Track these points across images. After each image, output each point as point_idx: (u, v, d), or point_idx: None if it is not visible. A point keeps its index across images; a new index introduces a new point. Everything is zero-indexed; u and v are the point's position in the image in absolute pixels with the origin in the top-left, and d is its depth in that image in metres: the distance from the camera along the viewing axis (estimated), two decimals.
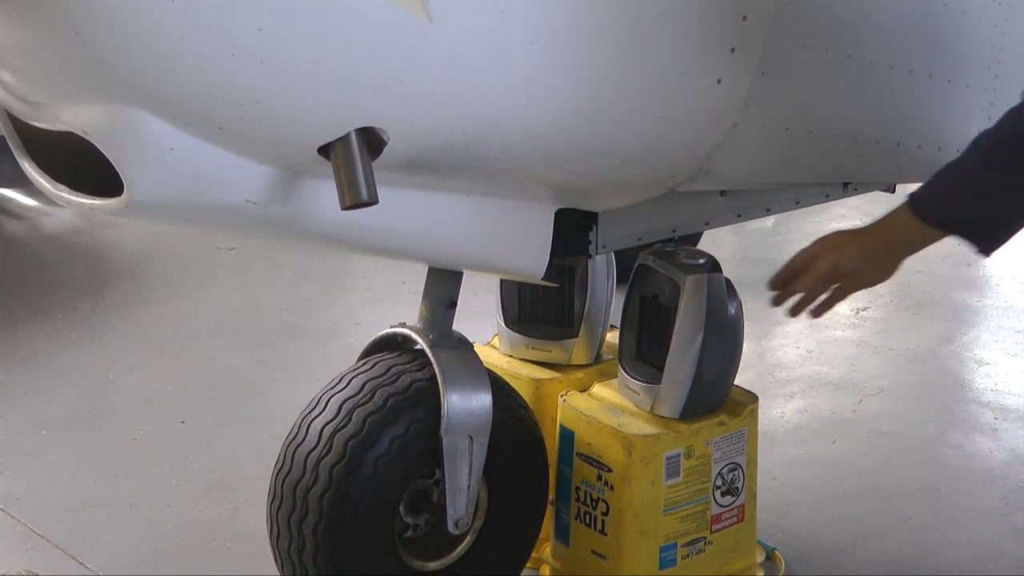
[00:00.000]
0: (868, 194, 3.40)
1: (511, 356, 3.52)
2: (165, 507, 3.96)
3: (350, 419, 2.96)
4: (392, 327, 3.18)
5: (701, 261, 3.15)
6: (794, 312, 2.74)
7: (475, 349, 3.11)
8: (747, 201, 3.14)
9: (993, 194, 2.53)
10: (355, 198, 2.21)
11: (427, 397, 2.97)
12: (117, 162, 2.21)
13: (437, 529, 3.10)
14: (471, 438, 3.00)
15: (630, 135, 2.58)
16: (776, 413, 4.59)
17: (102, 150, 2.20)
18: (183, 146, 2.22)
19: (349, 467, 2.92)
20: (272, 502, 3.04)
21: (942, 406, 4.69)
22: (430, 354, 3.01)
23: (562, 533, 3.35)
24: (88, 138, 2.20)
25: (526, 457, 3.18)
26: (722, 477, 3.28)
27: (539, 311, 3.49)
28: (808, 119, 2.78)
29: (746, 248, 6.53)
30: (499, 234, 2.81)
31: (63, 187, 2.37)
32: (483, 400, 3.00)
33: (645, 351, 3.24)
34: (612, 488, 3.18)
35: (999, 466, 4.23)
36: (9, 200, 7.15)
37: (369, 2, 2.10)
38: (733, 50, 2.54)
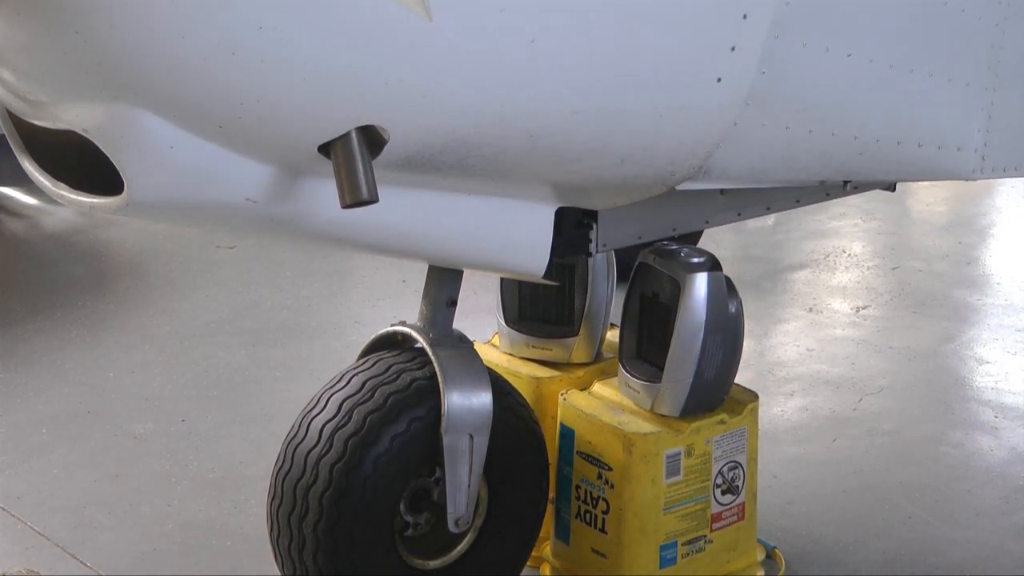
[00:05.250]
0: (868, 193, 3.41)
1: (511, 354, 3.52)
2: (165, 506, 3.96)
3: (350, 417, 2.96)
4: (392, 325, 3.18)
5: (701, 260, 3.15)
6: None
7: (475, 347, 3.11)
8: (747, 199, 3.14)
9: None
10: (355, 197, 2.21)
11: (427, 395, 2.97)
12: (117, 161, 2.21)
13: (437, 528, 3.10)
14: (471, 436, 3.00)
15: (630, 134, 2.58)
16: (776, 412, 4.59)
17: (102, 149, 2.20)
18: (183, 145, 2.22)
19: (349, 465, 2.92)
20: (272, 501, 3.04)
21: (942, 404, 4.69)
22: (430, 353, 3.01)
23: (562, 531, 3.35)
24: (88, 137, 2.20)
25: (526, 455, 3.18)
26: (722, 475, 3.28)
27: (539, 310, 3.49)
28: (808, 118, 2.78)
29: (746, 246, 6.54)
30: (499, 233, 2.81)
31: (63, 186, 2.37)
32: (483, 398, 3.00)
33: (645, 350, 3.24)
34: (612, 487, 3.18)
35: (999, 464, 4.24)
36: (10, 199, 7.15)
37: (370, 1, 2.10)
38: (733, 49, 2.54)
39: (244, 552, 3.70)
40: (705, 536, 3.29)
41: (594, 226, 3.03)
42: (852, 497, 4.02)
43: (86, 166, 2.28)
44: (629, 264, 3.33)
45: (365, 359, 3.11)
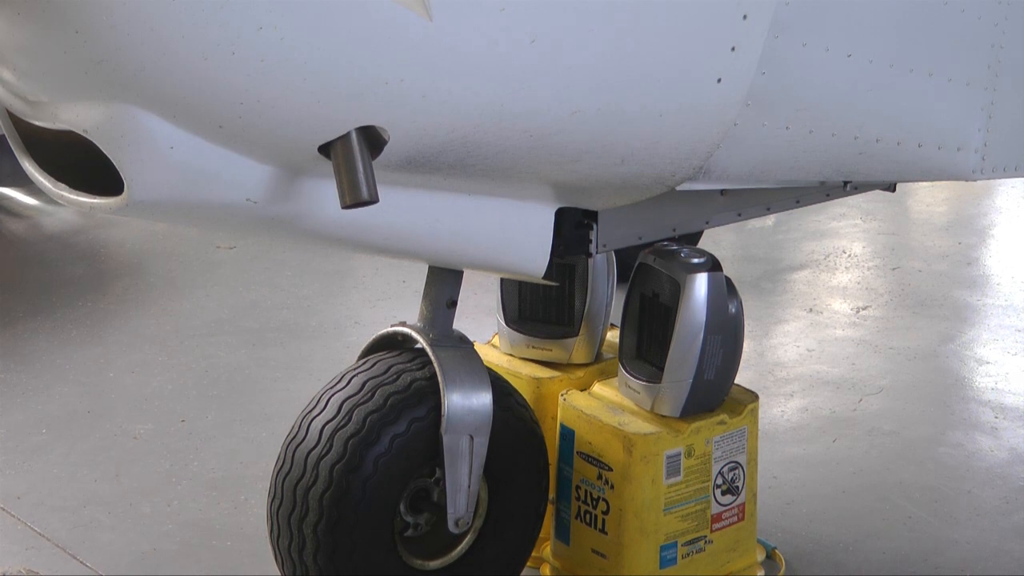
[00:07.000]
0: (868, 193, 3.41)
1: (511, 355, 3.52)
2: (165, 506, 3.96)
3: (350, 418, 2.96)
4: (392, 326, 3.18)
5: (701, 260, 3.15)
6: None
7: (475, 348, 3.11)
8: (747, 200, 3.14)
9: None
10: (355, 197, 2.21)
11: (427, 396, 2.97)
12: (117, 161, 2.21)
13: (437, 528, 3.10)
14: (471, 437, 3.00)
15: (630, 134, 2.58)
16: (776, 412, 4.59)
17: (102, 149, 2.20)
18: (183, 145, 2.22)
19: (349, 466, 2.92)
20: (272, 501, 3.04)
21: (942, 405, 4.69)
22: (430, 353, 3.01)
23: (562, 532, 3.35)
24: (88, 137, 2.20)
25: (526, 456, 3.18)
26: (722, 476, 3.28)
27: (539, 310, 3.49)
28: (808, 118, 2.78)
29: (746, 247, 6.54)
30: (499, 233, 2.81)
31: (63, 186, 2.37)
32: (483, 399, 3.00)
33: (645, 350, 3.24)
34: (612, 487, 3.18)
35: (999, 465, 4.23)
36: (10, 199, 7.15)
37: (370, 1, 2.10)
38: (733, 49, 2.54)
39: (244, 552, 3.70)
40: (705, 536, 3.29)
41: (594, 226, 3.03)
42: (852, 497, 4.02)
43: (86, 166, 2.28)
44: (629, 264, 3.33)
45: (365, 359, 3.11)
